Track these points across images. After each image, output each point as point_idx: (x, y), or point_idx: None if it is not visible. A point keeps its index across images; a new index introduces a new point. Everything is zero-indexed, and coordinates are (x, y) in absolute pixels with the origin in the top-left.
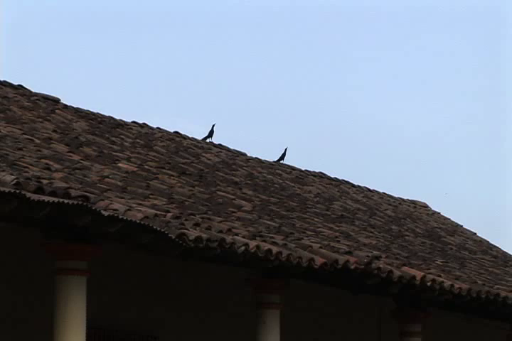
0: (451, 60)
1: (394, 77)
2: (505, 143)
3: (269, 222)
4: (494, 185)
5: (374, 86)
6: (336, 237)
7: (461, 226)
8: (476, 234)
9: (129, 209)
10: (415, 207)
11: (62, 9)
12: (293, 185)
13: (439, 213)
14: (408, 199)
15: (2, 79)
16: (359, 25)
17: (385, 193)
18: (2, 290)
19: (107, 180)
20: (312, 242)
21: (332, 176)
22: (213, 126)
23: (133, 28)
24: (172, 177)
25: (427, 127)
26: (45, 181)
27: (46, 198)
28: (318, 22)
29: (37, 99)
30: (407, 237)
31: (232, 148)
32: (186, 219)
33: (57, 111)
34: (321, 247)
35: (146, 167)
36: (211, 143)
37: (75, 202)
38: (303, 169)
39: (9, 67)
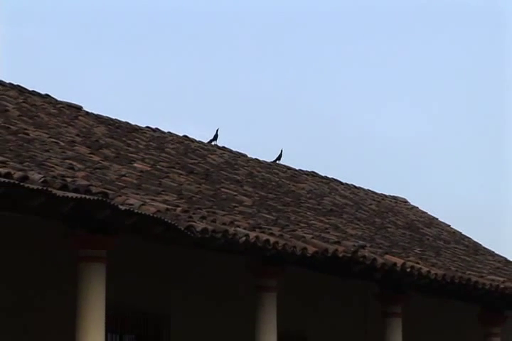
0: (449, 60)
1: (387, 80)
2: (485, 143)
3: (267, 216)
4: (468, 182)
5: (366, 90)
6: (326, 229)
7: (437, 219)
8: (449, 225)
9: (143, 204)
10: (396, 202)
11: (78, 25)
12: (288, 182)
13: (417, 207)
14: (390, 195)
15: (31, 89)
16: (355, 28)
17: (369, 190)
18: (31, 276)
19: (123, 178)
20: (305, 233)
21: (323, 175)
22: (217, 130)
23: (144, 44)
24: (181, 176)
25: (408, 132)
26: (69, 179)
27: (70, 194)
28: (313, 27)
29: (62, 107)
30: (389, 229)
31: (234, 149)
32: (194, 213)
33: (79, 117)
34: (312, 237)
35: (158, 167)
36: (216, 145)
37: (96, 198)
38: (297, 168)
39: (37, 78)
